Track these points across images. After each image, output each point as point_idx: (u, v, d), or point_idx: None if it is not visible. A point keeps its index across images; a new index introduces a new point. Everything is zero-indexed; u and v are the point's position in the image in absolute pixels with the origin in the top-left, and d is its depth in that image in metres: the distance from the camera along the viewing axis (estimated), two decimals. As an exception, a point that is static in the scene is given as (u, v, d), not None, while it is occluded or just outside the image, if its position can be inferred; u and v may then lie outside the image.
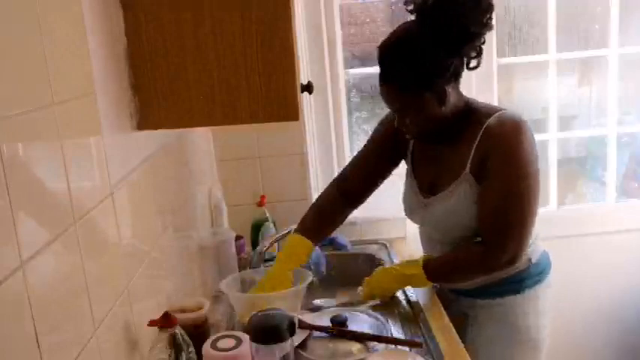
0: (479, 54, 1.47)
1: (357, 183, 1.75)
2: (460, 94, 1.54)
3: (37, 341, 0.73)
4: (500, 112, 1.51)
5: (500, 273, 1.56)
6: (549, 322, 1.68)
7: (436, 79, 1.45)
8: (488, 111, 1.52)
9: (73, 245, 0.87)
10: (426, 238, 1.71)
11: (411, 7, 1.46)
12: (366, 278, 1.68)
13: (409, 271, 1.60)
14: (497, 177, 1.47)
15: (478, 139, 1.48)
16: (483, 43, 1.47)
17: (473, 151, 1.49)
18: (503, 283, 1.60)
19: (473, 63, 1.49)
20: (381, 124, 1.75)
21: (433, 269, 1.58)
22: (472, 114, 1.53)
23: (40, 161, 0.81)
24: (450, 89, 1.48)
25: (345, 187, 1.76)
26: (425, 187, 1.64)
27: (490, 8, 1.43)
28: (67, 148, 0.87)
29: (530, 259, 1.61)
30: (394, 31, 1.50)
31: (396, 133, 1.64)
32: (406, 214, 1.74)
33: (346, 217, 1.79)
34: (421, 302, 1.67)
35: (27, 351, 0.72)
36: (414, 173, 1.69)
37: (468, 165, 1.50)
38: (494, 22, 1.47)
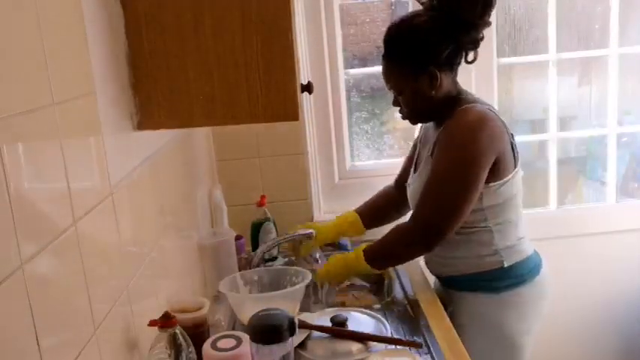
0: (475, 46, 1.56)
1: (404, 176, 1.87)
2: (455, 84, 1.63)
3: (37, 341, 0.73)
4: (473, 104, 1.58)
5: (469, 265, 1.63)
6: (534, 325, 1.68)
7: (429, 62, 1.54)
8: (467, 102, 1.59)
9: (73, 245, 0.87)
10: None
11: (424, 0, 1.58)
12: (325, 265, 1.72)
13: (350, 255, 1.65)
14: (436, 158, 1.56)
15: (443, 125, 1.57)
16: (482, 38, 1.56)
17: (437, 134, 1.59)
18: (474, 278, 1.64)
19: (470, 56, 1.58)
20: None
21: (369, 249, 1.63)
22: (457, 104, 1.60)
23: (40, 161, 0.81)
24: (443, 76, 1.56)
25: (398, 181, 1.92)
26: (417, 169, 1.75)
27: (487, 4, 1.51)
28: (67, 148, 0.87)
29: (502, 262, 1.62)
30: (403, 15, 1.62)
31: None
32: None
33: (401, 213, 1.91)
34: (421, 302, 1.67)
35: (27, 351, 0.72)
36: (417, 157, 1.78)
37: (431, 148, 1.60)
38: (492, 19, 1.55)
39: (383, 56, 1.61)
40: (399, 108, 1.67)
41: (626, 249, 2.47)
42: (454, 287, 1.71)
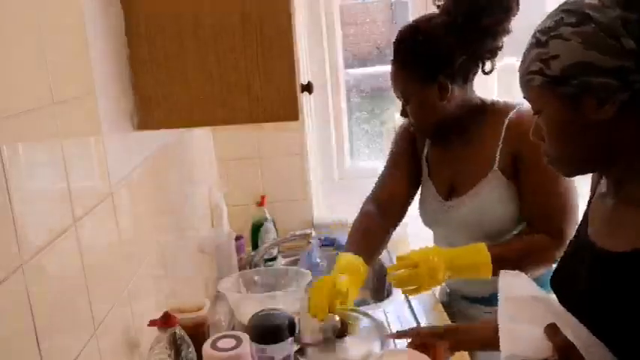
0: (493, 56, 1.45)
1: (390, 196, 1.66)
2: (471, 95, 1.51)
3: (37, 341, 0.73)
4: (518, 107, 1.48)
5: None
6: None
7: (439, 71, 1.43)
8: (506, 108, 1.49)
9: (72, 245, 0.87)
10: (447, 244, 1.54)
11: (439, 2, 1.46)
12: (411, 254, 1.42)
13: (470, 259, 1.41)
14: (538, 168, 1.35)
15: (502, 135, 1.45)
16: (501, 47, 1.45)
17: (499, 148, 1.46)
18: None
19: (487, 66, 1.47)
20: (397, 134, 1.71)
21: (498, 259, 1.39)
22: (489, 113, 1.50)
23: (40, 161, 0.81)
24: (455, 87, 1.45)
25: (381, 204, 1.65)
26: (444, 190, 1.58)
27: (508, 10, 1.41)
28: (67, 148, 0.87)
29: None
30: (418, 17, 1.51)
31: (413, 139, 1.65)
32: (425, 222, 1.66)
33: (390, 235, 1.64)
34: (422, 305, 1.67)
35: (27, 351, 0.72)
36: (431, 177, 1.63)
37: (496, 162, 1.46)
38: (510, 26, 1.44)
39: (392, 59, 1.50)
40: (407, 119, 1.56)
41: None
42: (482, 303, 1.58)
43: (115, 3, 1.12)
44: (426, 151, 1.66)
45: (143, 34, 1.14)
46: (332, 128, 2.37)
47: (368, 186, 2.03)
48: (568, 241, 1.40)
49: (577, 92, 0.89)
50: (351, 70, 2.40)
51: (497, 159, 1.47)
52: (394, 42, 1.49)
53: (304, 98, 2.15)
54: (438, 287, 1.76)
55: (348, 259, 1.47)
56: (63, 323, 0.82)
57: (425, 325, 1.37)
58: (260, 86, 1.15)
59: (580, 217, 1.45)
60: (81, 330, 0.88)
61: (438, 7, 1.46)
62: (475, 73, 1.49)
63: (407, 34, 1.47)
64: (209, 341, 1.18)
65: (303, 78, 2.09)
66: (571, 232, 1.41)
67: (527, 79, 0.95)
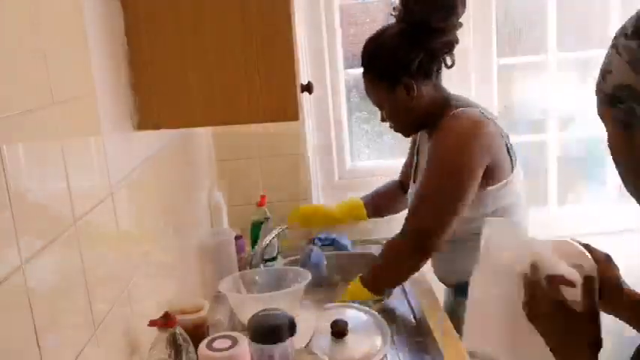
0: (449, 50, 1.54)
1: (406, 175, 1.90)
2: (439, 90, 1.60)
3: (37, 341, 0.73)
4: (462, 109, 1.56)
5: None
6: None
7: (401, 73, 1.54)
8: (456, 107, 1.57)
9: (72, 245, 0.87)
10: None
11: (394, 13, 1.57)
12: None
13: (354, 286, 1.63)
14: (427, 168, 1.55)
15: (434, 134, 1.57)
16: (456, 41, 1.54)
17: (430, 145, 1.57)
18: None
19: (448, 61, 1.57)
20: None
21: (365, 276, 1.62)
22: (446, 110, 1.58)
23: (40, 161, 0.81)
24: (420, 85, 1.55)
25: (401, 177, 1.97)
26: (416, 179, 1.73)
27: (454, 5, 1.49)
28: (67, 148, 0.87)
29: None
30: (377, 30, 1.62)
31: None
32: None
33: (403, 205, 1.88)
34: (422, 306, 1.66)
35: (27, 351, 0.72)
36: (416, 166, 1.75)
37: (427, 159, 1.57)
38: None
39: (362, 72, 1.62)
40: (388, 123, 1.67)
41: (626, 249, 2.47)
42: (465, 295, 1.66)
43: (114, 3, 1.12)
44: (418, 140, 1.80)
45: (143, 34, 1.14)
46: (332, 128, 2.37)
47: (368, 186, 2.03)
48: (423, 245, 1.52)
49: (625, 119, 0.74)
50: (351, 70, 2.40)
51: (427, 156, 1.57)
52: (361, 56, 1.61)
53: (304, 98, 2.15)
54: (443, 286, 1.80)
55: (351, 198, 1.99)
56: (63, 323, 0.82)
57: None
58: (260, 86, 1.15)
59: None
60: (81, 330, 0.88)
61: (395, 16, 1.57)
62: (439, 69, 1.58)
63: (367, 47, 1.60)
64: (205, 341, 1.17)
65: (303, 78, 2.09)
66: (424, 238, 1.52)
67: (595, 85, 0.81)
